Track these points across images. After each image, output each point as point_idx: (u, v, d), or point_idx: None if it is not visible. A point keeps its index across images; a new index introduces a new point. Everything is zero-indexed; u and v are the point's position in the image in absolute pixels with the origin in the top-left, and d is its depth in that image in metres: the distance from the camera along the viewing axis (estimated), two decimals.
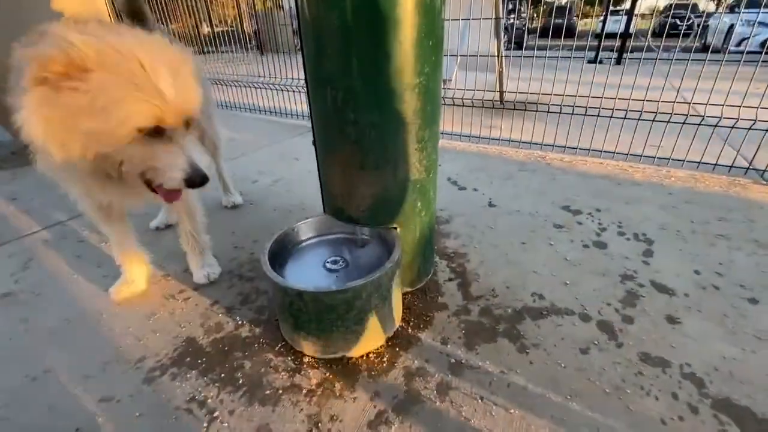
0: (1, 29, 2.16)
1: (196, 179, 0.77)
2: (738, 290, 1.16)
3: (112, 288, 1.18)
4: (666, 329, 1.03)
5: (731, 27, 7.57)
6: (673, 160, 2.08)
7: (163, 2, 4.00)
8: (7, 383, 0.91)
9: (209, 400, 0.86)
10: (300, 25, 0.90)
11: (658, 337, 1.00)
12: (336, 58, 0.86)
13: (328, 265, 1.03)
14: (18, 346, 1.03)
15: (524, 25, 4.58)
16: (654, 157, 2.14)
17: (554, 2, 2.89)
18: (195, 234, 1.22)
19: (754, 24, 6.31)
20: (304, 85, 0.99)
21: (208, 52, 4.78)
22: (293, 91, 3.36)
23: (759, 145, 1.93)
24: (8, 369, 0.95)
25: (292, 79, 3.33)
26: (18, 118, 0.71)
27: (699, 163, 2.02)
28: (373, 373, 0.92)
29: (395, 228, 1.05)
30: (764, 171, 1.93)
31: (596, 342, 0.99)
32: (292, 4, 6.33)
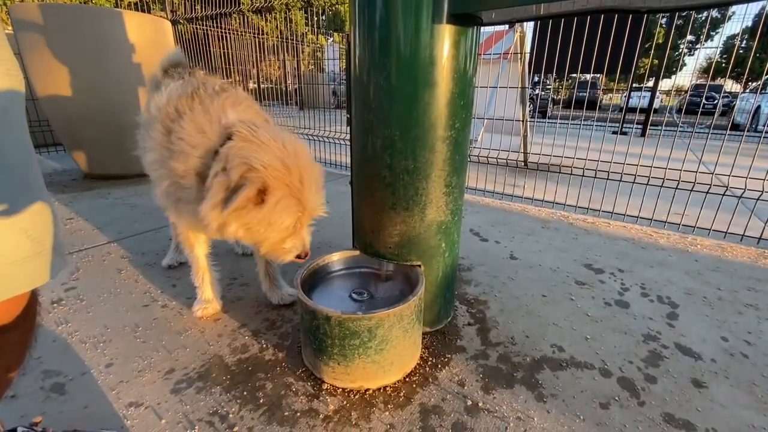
0: (84, 73, 2.52)
1: (303, 256, 1.04)
2: None
3: (196, 307, 1.27)
4: (691, 392, 1.00)
5: (758, 108, 7.71)
6: (698, 228, 2.09)
7: (217, 61, 4.53)
8: (49, 381, 0.98)
9: (230, 415, 0.89)
10: (350, 82, 1.05)
11: (683, 399, 0.98)
12: (378, 111, 0.99)
13: (354, 296, 1.09)
14: (61, 348, 1.10)
15: (549, 96, 4.85)
16: (679, 224, 2.15)
17: (578, 77, 3.10)
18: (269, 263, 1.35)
19: None
20: (338, 137, 1.13)
21: None
22: (326, 142, 3.61)
23: None
24: (51, 367, 1.02)
25: (326, 130, 3.60)
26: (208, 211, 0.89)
27: (726, 233, 2.01)
28: (389, 406, 0.93)
29: (419, 265, 1.11)
30: None
31: (617, 398, 0.98)
32: (332, 68, 6.98)
